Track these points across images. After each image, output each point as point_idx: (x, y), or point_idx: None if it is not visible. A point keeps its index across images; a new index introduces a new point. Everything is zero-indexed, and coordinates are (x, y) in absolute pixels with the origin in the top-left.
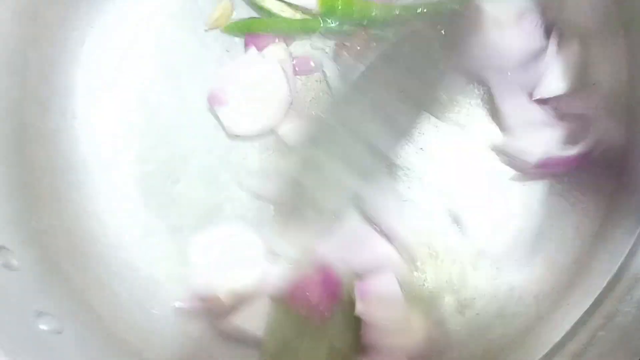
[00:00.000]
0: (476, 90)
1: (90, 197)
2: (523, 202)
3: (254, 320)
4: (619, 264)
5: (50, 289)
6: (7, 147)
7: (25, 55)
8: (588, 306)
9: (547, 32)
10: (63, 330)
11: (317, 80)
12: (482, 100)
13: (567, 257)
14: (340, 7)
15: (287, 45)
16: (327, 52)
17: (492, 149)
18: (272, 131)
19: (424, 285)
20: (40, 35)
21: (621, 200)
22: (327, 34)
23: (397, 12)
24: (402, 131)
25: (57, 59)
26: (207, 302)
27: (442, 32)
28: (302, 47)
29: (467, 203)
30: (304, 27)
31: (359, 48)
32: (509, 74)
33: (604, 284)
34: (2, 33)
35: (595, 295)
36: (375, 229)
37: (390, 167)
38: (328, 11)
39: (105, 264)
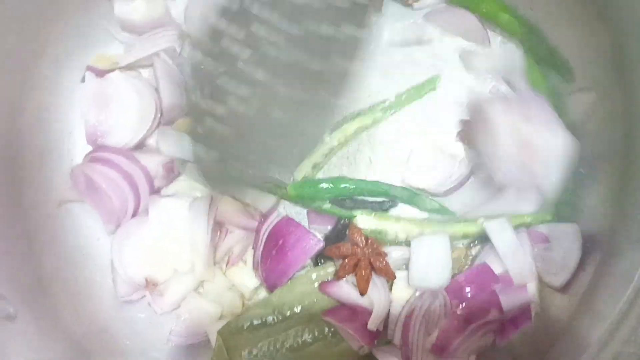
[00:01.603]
0: None
1: (89, 241)
2: None
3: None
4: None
5: (49, 339)
6: (4, 191)
7: (23, 102)
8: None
9: None
10: None
11: None
12: None
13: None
14: None
15: None
16: None
17: None
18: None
19: None
20: (36, 82)
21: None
22: None
23: None
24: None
25: (52, 104)
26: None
27: None
28: None
29: None
30: None
31: None
32: None
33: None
34: None
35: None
36: None
37: None
38: None
39: (104, 309)
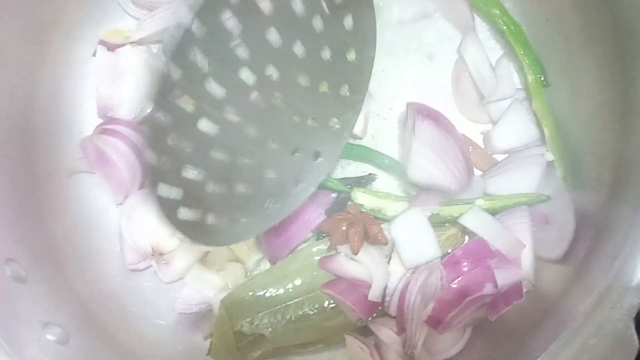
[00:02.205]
0: None
1: (98, 211)
2: None
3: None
4: (612, 272)
5: (58, 301)
6: (17, 161)
7: (34, 75)
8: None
9: None
10: (69, 340)
11: None
12: None
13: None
14: None
15: None
16: None
17: None
18: None
19: None
20: (49, 56)
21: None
22: None
23: None
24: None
25: (65, 76)
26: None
27: None
28: None
29: None
30: None
31: None
32: None
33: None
34: (10, 56)
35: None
36: None
37: None
38: None
39: (112, 276)
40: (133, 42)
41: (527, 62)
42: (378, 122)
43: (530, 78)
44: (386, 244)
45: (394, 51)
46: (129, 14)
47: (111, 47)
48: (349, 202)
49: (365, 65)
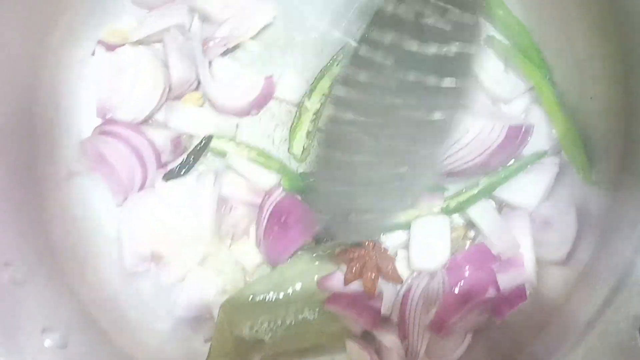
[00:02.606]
0: None
1: (97, 213)
2: None
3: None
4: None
5: (56, 305)
6: (16, 163)
7: (36, 75)
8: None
9: None
10: (68, 345)
11: None
12: None
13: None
14: None
15: None
16: None
17: None
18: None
19: None
20: (49, 55)
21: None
22: None
23: None
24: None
25: (64, 76)
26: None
27: None
28: None
29: None
30: None
31: None
32: None
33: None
34: (11, 55)
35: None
36: None
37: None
38: None
39: (111, 279)
40: (133, 42)
41: (534, 62)
42: None
43: (536, 79)
44: (401, 282)
45: None
46: (128, 14)
47: (110, 47)
48: None
49: None
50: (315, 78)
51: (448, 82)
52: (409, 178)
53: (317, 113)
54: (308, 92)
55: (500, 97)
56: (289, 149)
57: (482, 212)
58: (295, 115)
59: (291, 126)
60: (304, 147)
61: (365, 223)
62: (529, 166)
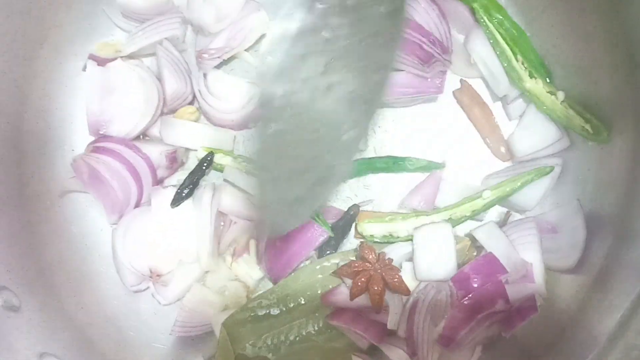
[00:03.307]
0: None
1: (92, 232)
2: None
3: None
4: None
5: (53, 329)
6: (6, 183)
7: (23, 92)
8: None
9: None
10: None
11: None
12: None
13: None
14: None
15: None
16: None
17: None
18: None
19: None
20: (37, 71)
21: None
22: None
23: None
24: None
25: (54, 92)
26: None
27: None
28: None
29: None
30: None
31: None
32: None
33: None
34: None
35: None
36: None
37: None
38: None
39: (109, 299)
40: (124, 56)
41: (531, 65)
42: (380, 135)
43: (533, 81)
44: (409, 294)
45: None
46: (119, 27)
47: (102, 62)
48: (360, 241)
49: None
50: None
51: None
52: (335, 164)
53: None
54: None
55: (502, 93)
56: None
57: (487, 234)
58: None
59: None
60: None
61: (303, 209)
62: (535, 179)
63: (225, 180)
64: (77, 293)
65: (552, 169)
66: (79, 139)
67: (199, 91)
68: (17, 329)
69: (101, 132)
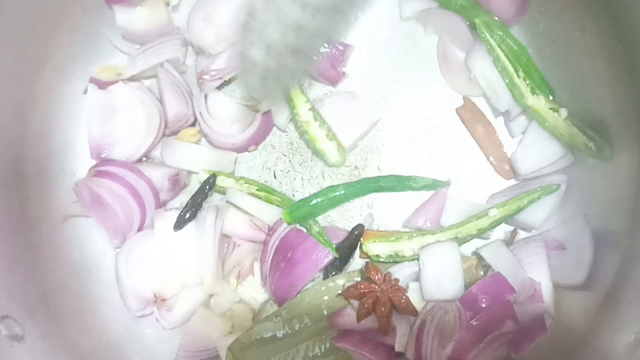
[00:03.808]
0: None
1: (95, 256)
2: None
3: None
4: None
5: (57, 356)
6: (7, 208)
7: (24, 115)
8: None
9: None
10: None
11: None
12: None
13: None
14: None
15: None
16: None
17: None
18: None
19: None
20: (38, 94)
21: None
22: None
23: None
24: None
25: (55, 116)
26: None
27: None
28: None
29: None
30: None
31: None
32: None
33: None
34: None
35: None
36: None
37: None
38: None
39: (112, 324)
40: (125, 79)
41: (533, 82)
42: (384, 154)
43: (536, 98)
44: (417, 315)
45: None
46: (119, 50)
47: (103, 85)
48: (366, 261)
49: None
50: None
51: None
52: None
53: (316, 116)
54: (292, 113)
55: (504, 108)
56: (326, 164)
57: (494, 252)
58: (304, 137)
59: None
60: (337, 148)
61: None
62: (541, 197)
63: (228, 202)
64: (80, 319)
65: (558, 186)
66: (81, 163)
67: (200, 113)
68: (20, 357)
69: (103, 156)
